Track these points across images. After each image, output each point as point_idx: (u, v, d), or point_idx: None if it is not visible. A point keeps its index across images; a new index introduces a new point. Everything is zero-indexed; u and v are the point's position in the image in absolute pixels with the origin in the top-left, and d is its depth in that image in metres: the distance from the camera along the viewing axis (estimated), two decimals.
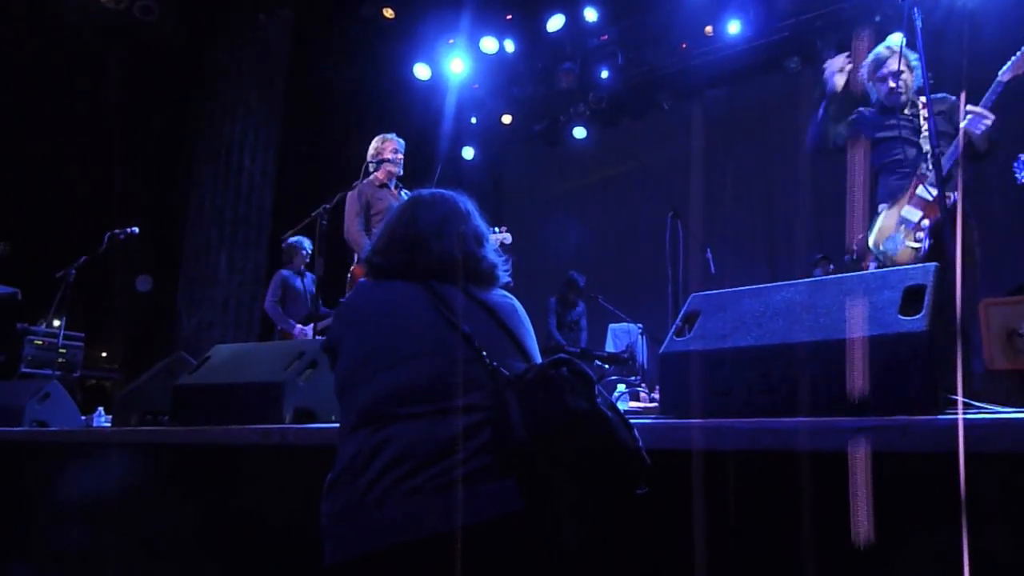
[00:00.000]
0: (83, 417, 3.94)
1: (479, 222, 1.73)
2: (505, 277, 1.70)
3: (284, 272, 6.07)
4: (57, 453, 3.18)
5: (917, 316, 1.40)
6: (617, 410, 1.37)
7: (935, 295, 1.45)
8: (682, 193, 7.70)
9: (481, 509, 1.34)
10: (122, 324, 8.72)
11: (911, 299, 1.46)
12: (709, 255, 5.09)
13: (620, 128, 9.59)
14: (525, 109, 9.70)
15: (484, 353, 1.47)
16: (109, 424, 3.66)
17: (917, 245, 3.29)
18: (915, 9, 2.81)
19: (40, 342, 6.09)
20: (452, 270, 1.61)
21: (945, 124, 3.33)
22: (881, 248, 3.41)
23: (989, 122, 3.08)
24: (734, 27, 7.76)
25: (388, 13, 8.25)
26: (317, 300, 6.20)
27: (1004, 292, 4.54)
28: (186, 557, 2.63)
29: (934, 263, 1.54)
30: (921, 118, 3.41)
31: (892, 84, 3.49)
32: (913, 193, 3.31)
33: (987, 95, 3.10)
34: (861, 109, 3.68)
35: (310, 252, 6.09)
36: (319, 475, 1.51)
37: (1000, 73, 3.09)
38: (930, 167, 3.21)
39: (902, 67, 3.48)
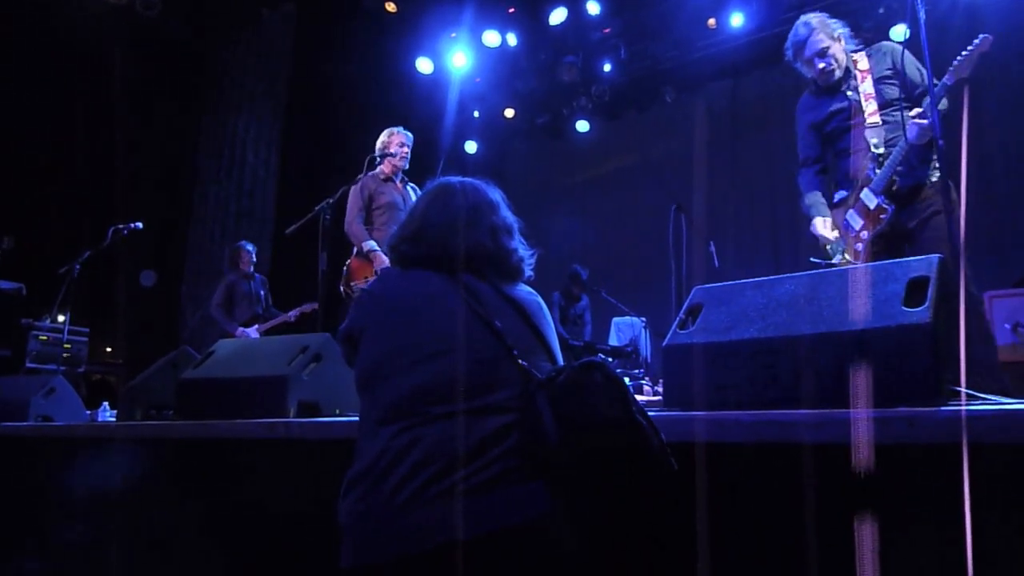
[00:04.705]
0: (88, 412, 3.96)
1: (507, 213, 1.67)
2: (529, 271, 1.66)
3: (230, 276, 6.14)
4: (62, 448, 3.19)
5: (921, 307, 1.40)
6: (647, 416, 1.35)
7: (938, 286, 1.44)
8: (685, 186, 7.67)
9: (512, 512, 1.33)
10: (126, 319, 8.74)
11: (915, 290, 1.45)
12: (712, 248, 5.07)
13: (623, 121, 9.55)
14: (528, 103, 9.67)
15: (515, 352, 1.43)
16: (114, 418, 3.67)
17: (854, 261, 3.02)
18: (919, 1, 2.74)
19: (45, 337, 6.12)
20: (482, 263, 1.55)
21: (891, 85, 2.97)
22: (828, 247, 3.17)
23: (925, 125, 2.69)
24: (737, 19, 7.72)
25: (390, 7, 8.24)
26: (268, 301, 6.28)
27: (1009, 284, 4.53)
28: (191, 550, 2.64)
29: (938, 255, 1.53)
30: (861, 95, 3.02)
31: (821, 65, 3.12)
32: (858, 196, 3.01)
33: (928, 100, 2.70)
34: (803, 97, 3.29)
35: (253, 254, 6.20)
36: (324, 468, 1.51)
37: (944, 78, 2.72)
38: (875, 169, 2.94)
39: (826, 41, 3.11)
